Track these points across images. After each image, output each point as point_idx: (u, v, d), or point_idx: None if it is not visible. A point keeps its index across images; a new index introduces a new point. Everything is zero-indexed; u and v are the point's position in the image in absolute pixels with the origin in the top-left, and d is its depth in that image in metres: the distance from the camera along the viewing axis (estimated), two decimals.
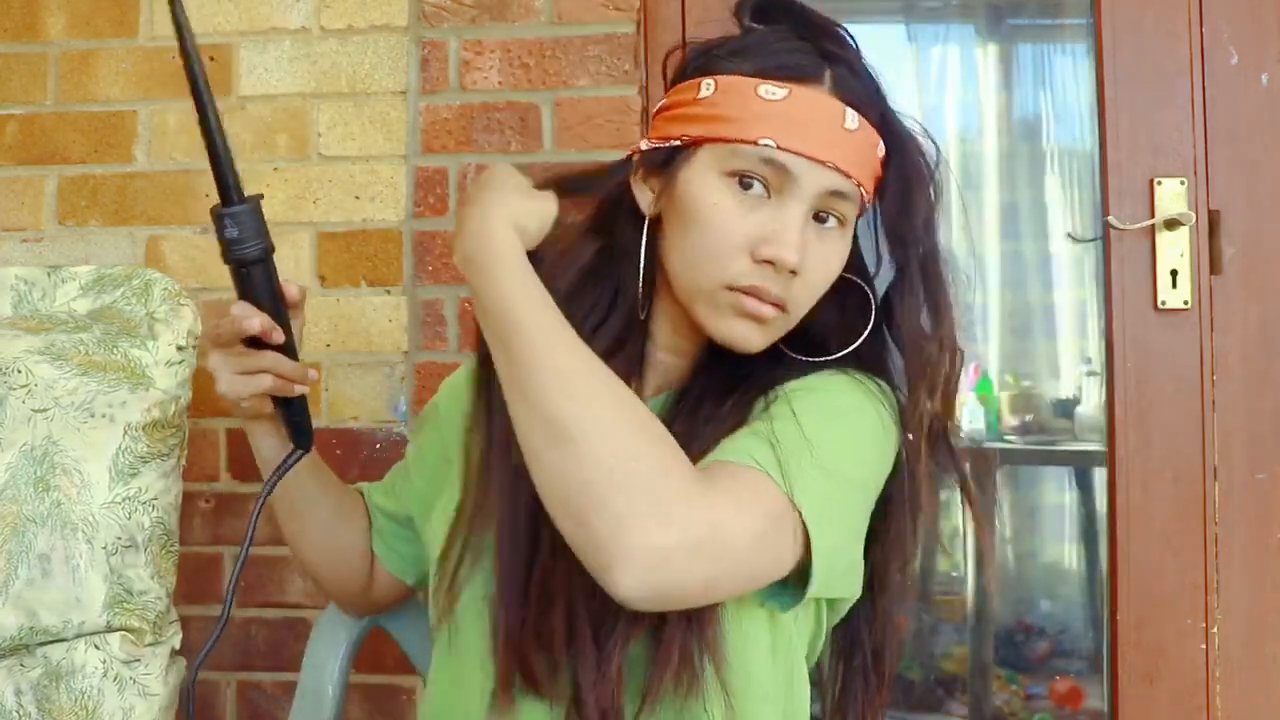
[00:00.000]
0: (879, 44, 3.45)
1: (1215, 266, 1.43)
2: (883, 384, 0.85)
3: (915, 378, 0.84)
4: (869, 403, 0.82)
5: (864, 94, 0.82)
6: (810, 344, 0.86)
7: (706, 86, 0.82)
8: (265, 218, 0.81)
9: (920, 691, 2.77)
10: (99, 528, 1.09)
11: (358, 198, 1.46)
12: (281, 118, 1.48)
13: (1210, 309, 1.43)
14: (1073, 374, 3.23)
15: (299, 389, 0.85)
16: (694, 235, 0.80)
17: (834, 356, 0.84)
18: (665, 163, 0.83)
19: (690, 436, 0.79)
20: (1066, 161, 3.17)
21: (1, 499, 1.08)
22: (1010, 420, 3.11)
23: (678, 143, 0.83)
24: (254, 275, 0.81)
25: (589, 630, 0.77)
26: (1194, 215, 1.42)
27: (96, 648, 1.09)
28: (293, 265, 1.46)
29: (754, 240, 0.79)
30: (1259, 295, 1.43)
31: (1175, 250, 1.43)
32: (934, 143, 0.86)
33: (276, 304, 0.82)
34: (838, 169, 0.79)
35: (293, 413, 0.87)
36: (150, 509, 1.12)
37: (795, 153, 0.78)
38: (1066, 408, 3.06)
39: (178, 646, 1.16)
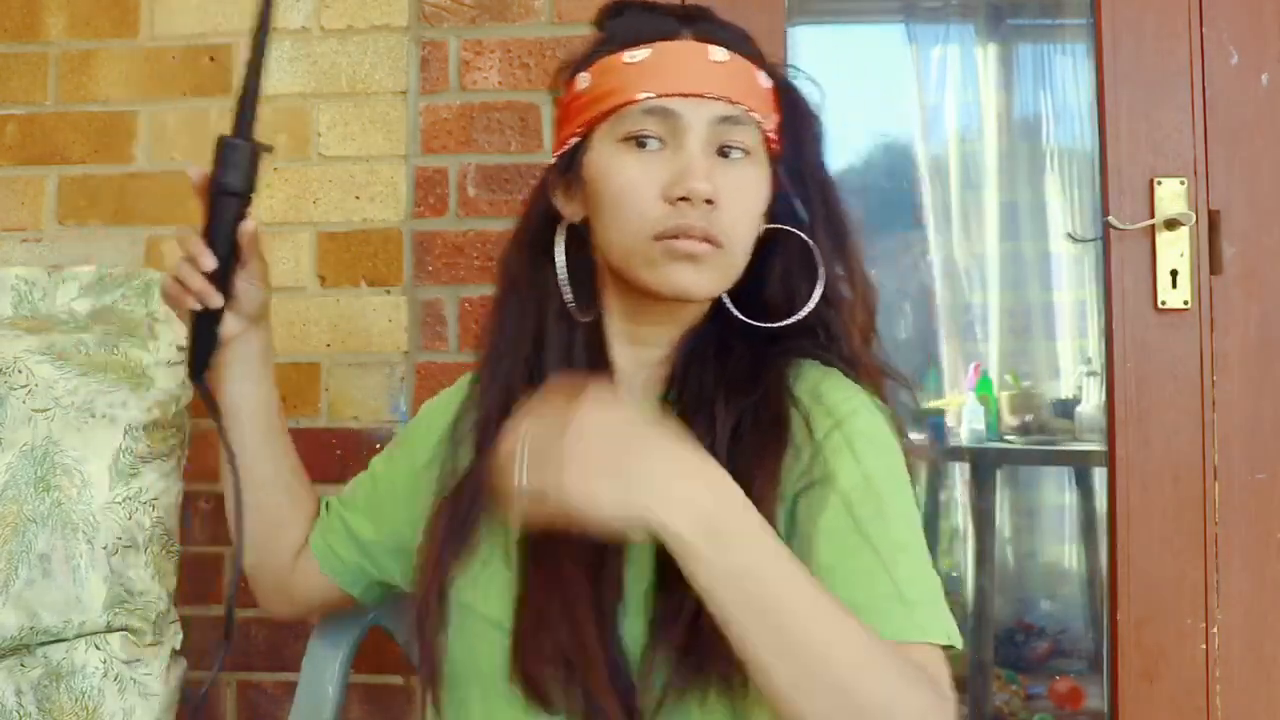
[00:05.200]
0: (879, 44, 3.45)
1: (1215, 266, 1.43)
2: (887, 408, 0.85)
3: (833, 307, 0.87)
4: (894, 439, 0.83)
5: (730, 39, 0.85)
6: (764, 308, 0.87)
7: (582, 80, 0.86)
8: (259, 170, 0.89)
9: None
10: (99, 528, 1.09)
11: (358, 198, 1.46)
12: (281, 118, 1.48)
13: (1210, 309, 1.43)
14: (1073, 374, 3.23)
15: (193, 304, 0.90)
16: (610, 206, 0.83)
17: (794, 319, 0.86)
18: (570, 164, 0.87)
19: (705, 444, 0.79)
20: (1066, 161, 3.18)
21: (2, 499, 1.08)
22: (1010, 420, 3.11)
23: (575, 139, 0.86)
24: (221, 207, 0.89)
25: (602, 640, 0.77)
26: (1194, 215, 1.42)
27: (97, 648, 1.09)
28: (293, 265, 1.46)
29: (664, 186, 0.81)
30: (1259, 295, 1.43)
31: (1175, 250, 1.43)
32: (816, 84, 0.91)
33: (228, 240, 0.89)
34: (717, 97, 0.82)
35: (194, 332, 0.93)
36: (151, 509, 1.12)
37: (672, 94, 0.81)
38: (1066, 408, 3.06)
39: (178, 647, 1.16)
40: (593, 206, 0.85)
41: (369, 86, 1.47)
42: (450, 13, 1.47)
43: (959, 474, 3.21)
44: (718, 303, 0.88)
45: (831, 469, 0.78)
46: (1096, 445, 2.73)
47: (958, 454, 3.09)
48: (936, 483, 3.22)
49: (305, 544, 1.01)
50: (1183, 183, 1.43)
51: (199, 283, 0.89)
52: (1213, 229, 1.44)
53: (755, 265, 0.87)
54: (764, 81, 0.86)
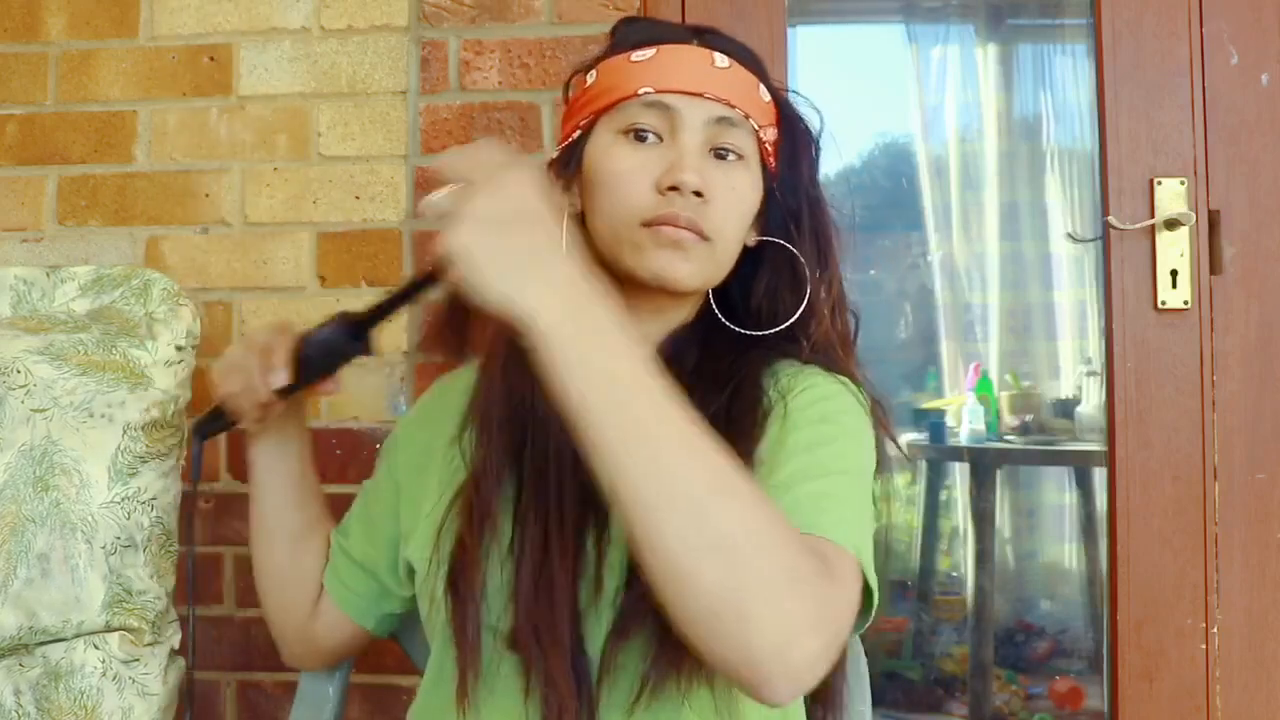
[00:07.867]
0: (879, 44, 3.45)
1: (1215, 266, 1.43)
2: (861, 389, 0.88)
3: (808, 317, 0.89)
4: (862, 412, 0.86)
5: (735, 52, 0.89)
6: (750, 315, 0.90)
7: (590, 77, 0.90)
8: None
9: (920, 691, 2.77)
10: (98, 528, 1.09)
11: (358, 198, 1.46)
12: (281, 118, 1.48)
13: (1210, 309, 1.43)
14: (1073, 374, 3.23)
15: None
16: (603, 193, 0.85)
17: (781, 327, 0.88)
18: (570, 157, 0.90)
19: None
20: (1066, 161, 3.18)
21: (1, 499, 1.08)
22: (1010, 420, 3.11)
23: (579, 132, 0.89)
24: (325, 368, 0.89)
25: (577, 629, 0.79)
26: (1194, 215, 1.42)
27: (96, 647, 1.09)
28: (293, 265, 1.46)
29: (657, 176, 0.83)
30: (1259, 295, 1.43)
31: (1175, 250, 1.43)
32: (818, 111, 0.94)
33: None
34: (716, 98, 0.85)
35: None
36: (149, 509, 1.12)
37: (671, 91, 0.84)
38: (1066, 408, 3.07)
39: (177, 646, 1.16)
40: (587, 195, 0.87)
41: (369, 86, 1.47)
42: (450, 13, 1.47)
43: (959, 474, 3.21)
44: (705, 307, 0.90)
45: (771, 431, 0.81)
46: (1096, 445, 2.73)
47: (958, 454, 3.09)
48: (936, 483, 3.22)
49: (321, 589, 1.00)
50: (1183, 183, 1.43)
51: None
52: (1213, 229, 1.44)
53: (743, 274, 0.90)
54: (765, 95, 0.89)
